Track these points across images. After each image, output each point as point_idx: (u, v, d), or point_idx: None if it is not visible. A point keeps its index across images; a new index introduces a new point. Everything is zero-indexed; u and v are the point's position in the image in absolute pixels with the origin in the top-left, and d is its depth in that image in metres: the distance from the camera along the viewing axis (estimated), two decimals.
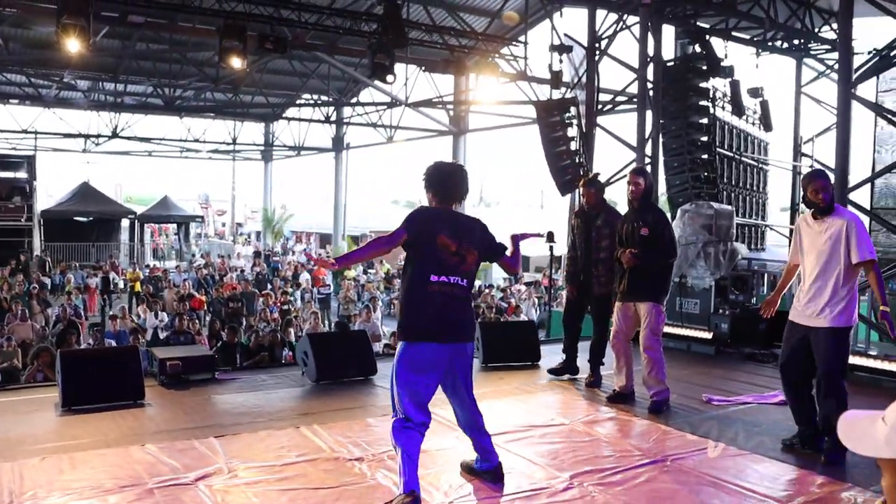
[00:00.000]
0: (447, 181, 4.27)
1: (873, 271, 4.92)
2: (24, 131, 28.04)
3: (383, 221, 38.51)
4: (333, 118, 29.87)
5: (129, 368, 6.31)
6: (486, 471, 4.42)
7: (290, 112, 31.10)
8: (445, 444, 4.77)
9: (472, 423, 4.32)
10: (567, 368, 7.53)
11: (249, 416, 5.94)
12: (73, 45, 9.42)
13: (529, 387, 7.12)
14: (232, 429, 5.51)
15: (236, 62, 10.20)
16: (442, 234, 4.06)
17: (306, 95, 28.77)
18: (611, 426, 5.85)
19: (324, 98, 28.49)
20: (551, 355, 8.45)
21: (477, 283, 18.18)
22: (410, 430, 3.96)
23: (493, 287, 21.53)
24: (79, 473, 4.51)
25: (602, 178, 7.62)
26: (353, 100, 28.47)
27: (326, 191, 42.79)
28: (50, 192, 38.41)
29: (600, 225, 7.07)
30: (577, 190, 10.34)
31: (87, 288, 20.16)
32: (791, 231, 15.85)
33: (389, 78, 11.14)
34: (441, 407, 4.38)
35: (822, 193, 4.93)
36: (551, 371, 7.62)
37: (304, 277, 22.34)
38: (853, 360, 7.10)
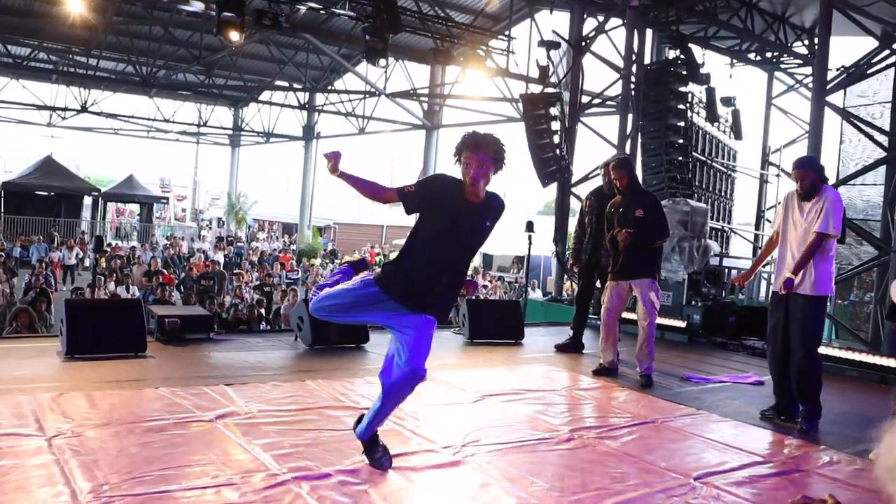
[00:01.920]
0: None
1: (817, 241, 5.09)
2: None
3: (347, 213, 38.50)
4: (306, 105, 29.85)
5: (132, 321, 6.45)
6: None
7: (263, 97, 30.96)
8: (452, 398, 4.99)
9: None
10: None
11: (254, 369, 6.13)
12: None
13: (516, 360, 7.42)
14: (239, 379, 5.69)
15: (234, 35, 10.33)
16: None
17: (280, 83, 28.68)
18: (600, 393, 6.17)
19: (297, 85, 28.41)
20: (530, 335, 8.79)
21: None
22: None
23: None
24: (99, 409, 4.63)
25: (583, 174, 7.88)
26: (328, 88, 28.45)
27: (291, 180, 42.60)
28: (8, 166, 37.58)
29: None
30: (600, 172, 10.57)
31: (51, 262, 19.92)
32: (755, 237, 16.55)
33: (381, 61, 11.38)
34: (444, 370, 4.59)
35: (800, 181, 5.27)
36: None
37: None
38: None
